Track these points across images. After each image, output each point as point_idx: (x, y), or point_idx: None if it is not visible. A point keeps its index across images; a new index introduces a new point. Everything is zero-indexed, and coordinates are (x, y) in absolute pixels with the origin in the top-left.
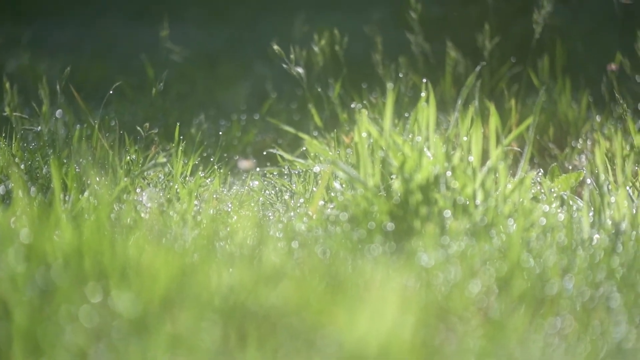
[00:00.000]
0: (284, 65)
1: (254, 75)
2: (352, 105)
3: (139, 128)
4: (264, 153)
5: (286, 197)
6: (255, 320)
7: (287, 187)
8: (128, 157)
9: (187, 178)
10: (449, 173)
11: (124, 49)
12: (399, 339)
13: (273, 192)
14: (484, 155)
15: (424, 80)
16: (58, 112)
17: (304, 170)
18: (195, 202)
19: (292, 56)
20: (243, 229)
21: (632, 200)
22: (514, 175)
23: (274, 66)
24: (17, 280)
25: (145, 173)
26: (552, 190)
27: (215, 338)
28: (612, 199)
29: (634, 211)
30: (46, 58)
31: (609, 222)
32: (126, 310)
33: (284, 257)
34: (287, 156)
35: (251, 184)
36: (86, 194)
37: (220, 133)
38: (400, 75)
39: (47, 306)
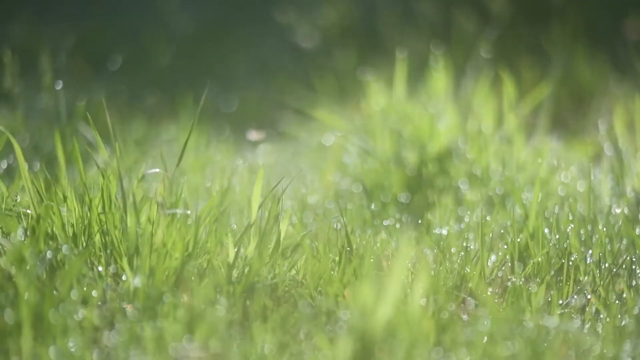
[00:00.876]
0: (292, 36)
1: (261, 45)
2: (362, 76)
3: (145, 100)
4: (274, 125)
5: (298, 170)
6: (270, 292)
7: (299, 160)
8: (137, 130)
9: (197, 151)
10: (463, 143)
11: (124, 20)
12: (413, 310)
13: (284, 165)
14: (499, 124)
15: (436, 48)
16: (59, 84)
17: (316, 142)
18: (207, 174)
19: (299, 27)
20: (256, 202)
21: None
22: (529, 144)
23: (282, 37)
24: (25, 257)
25: (155, 146)
26: (570, 158)
27: (232, 311)
28: (633, 167)
29: None
30: (46, 29)
31: (629, 190)
32: (140, 285)
33: (298, 230)
34: (297, 128)
35: (262, 157)
36: (93, 168)
37: (229, 105)
38: (410, 44)
39: (57, 284)
